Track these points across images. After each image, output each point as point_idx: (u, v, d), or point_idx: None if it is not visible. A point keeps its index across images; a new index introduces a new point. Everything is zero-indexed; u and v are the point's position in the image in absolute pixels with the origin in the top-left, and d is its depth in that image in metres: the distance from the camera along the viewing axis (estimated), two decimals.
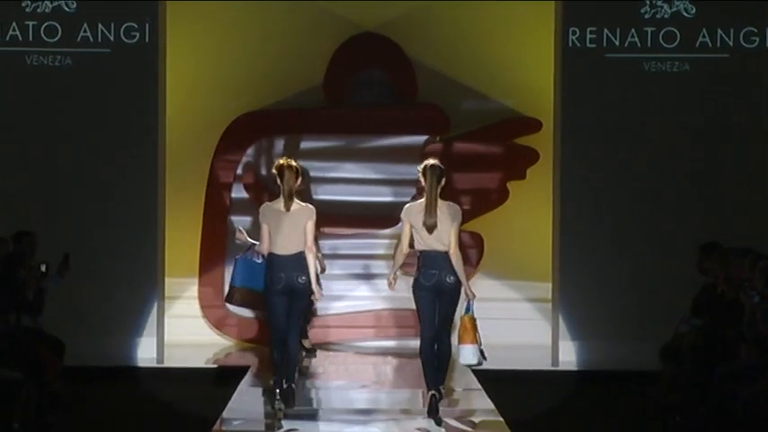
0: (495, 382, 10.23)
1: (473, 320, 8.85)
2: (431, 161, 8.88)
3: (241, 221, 12.51)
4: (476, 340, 8.82)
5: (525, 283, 13.09)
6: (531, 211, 13.09)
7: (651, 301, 11.80)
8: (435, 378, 8.83)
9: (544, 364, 12.01)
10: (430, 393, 8.77)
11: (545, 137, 12.86)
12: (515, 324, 12.83)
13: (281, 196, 9.01)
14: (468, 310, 8.88)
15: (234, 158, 13.27)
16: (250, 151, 13.29)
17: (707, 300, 9.69)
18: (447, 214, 8.73)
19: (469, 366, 9.14)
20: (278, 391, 8.95)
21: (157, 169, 12.22)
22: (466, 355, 8.86)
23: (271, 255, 8.97)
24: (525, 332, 12.67)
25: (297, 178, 9.00)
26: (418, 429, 8.76)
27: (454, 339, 8.97)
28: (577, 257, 12.07)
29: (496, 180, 13.10)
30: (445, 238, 8.69)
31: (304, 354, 11.75)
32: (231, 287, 9.58)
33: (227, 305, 11.75)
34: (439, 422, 8.76)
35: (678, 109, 12.15)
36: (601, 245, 12.07)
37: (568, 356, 11.99)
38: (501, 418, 8.90)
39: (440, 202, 8.76)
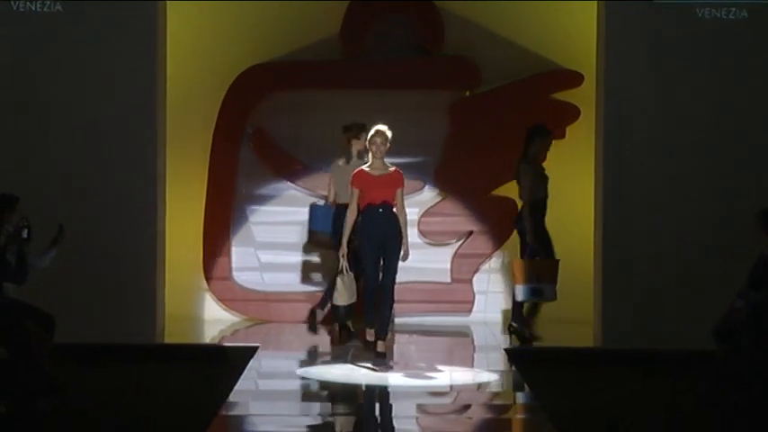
0: (530, 361, 10.36)
1: None
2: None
3: (249, 187, 12.56)
4: None
5: (564, 253, 12.73)
6: (571, 174, 13.18)
7: (706, 274, 11.74)
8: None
9: (585, 341, 12.09)
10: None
11: (587, 92, 12.93)
12: None
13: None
14: None
15: (242, 116, 13.27)
16: (259, 108, 13.28)
17: (766, 272, 9.55)
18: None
19: None
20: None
21: (156, 128, 12.11)
22: None
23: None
24: (564, 307, 12.42)
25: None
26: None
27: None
28: (623, 226, 12.00)
29: None
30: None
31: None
32: (311, 231, 12.37)
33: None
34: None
35: (735, 61, 12.02)
36: (649, 212, 12.00)
37: (612, 334, 11.95)
38: (536, 401, 8.86)
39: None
